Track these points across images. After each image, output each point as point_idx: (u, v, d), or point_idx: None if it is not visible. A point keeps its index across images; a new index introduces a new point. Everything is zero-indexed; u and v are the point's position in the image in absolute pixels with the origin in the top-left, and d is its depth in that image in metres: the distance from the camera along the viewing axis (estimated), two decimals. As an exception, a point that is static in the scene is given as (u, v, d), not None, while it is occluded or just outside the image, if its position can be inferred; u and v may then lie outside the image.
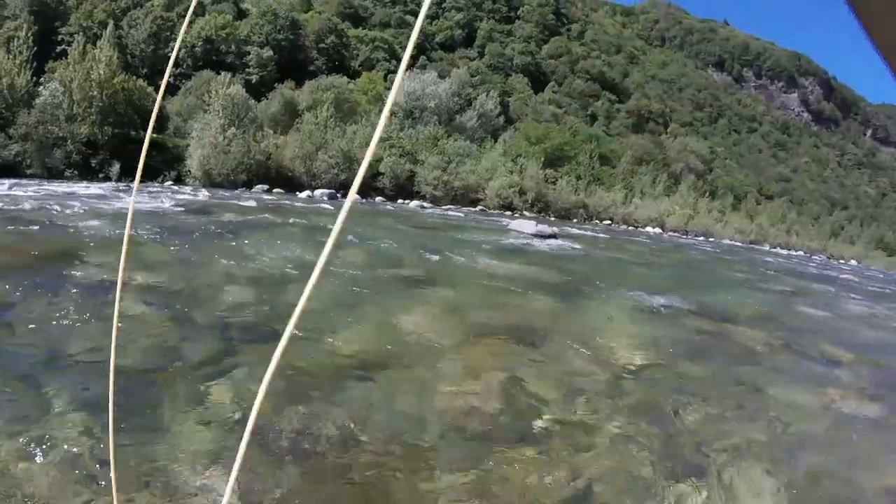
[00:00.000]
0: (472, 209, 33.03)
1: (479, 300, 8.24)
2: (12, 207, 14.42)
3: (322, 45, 50.98)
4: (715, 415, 5.07)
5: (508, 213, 32.99)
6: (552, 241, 18.03)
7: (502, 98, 51.72)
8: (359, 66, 52.71)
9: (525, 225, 20.75)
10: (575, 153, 44.01)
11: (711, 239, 37.59)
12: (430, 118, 40.16)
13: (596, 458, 4.01)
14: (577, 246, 17.48)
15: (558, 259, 14.07)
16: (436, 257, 11.83)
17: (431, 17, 71.81)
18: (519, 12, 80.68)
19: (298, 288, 7.45)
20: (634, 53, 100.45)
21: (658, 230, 37.71)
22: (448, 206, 32.39)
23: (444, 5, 74.83)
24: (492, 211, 33.25)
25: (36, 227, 11.08)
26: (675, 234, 37.81)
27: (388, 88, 44.67)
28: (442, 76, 46.02)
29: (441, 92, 42.29)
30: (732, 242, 37.41)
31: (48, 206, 15.29)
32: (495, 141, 41.59)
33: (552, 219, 32.96)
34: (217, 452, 3.54)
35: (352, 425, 4.00)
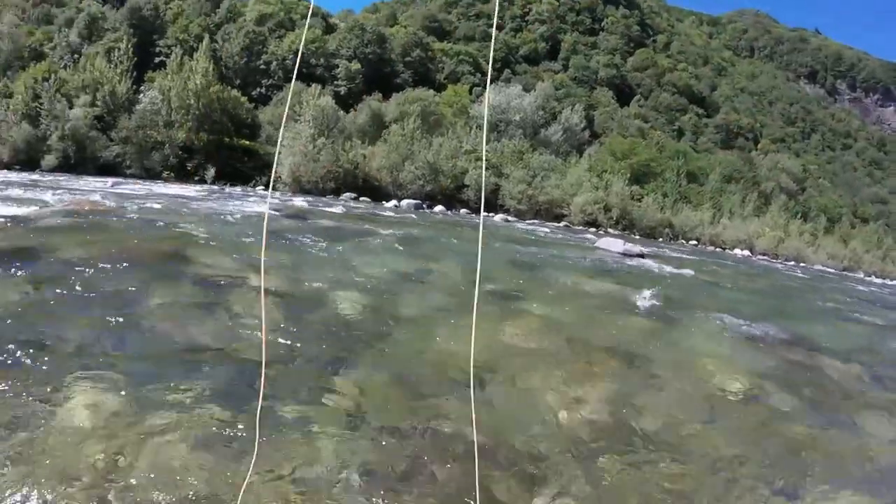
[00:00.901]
0: (557, 224, 32.52)
1: (574, 317, 8.16)
2: (117, 205, 15.14)
3: (408, 59, 51.84)
4: (807, 445, 5.01)
5: (593, 229, 32.30)
6: (640, 261, 17.55)
7: (587, 112, 50.98)
8: (444, 78, 53.26)
9: (612, 243, 20.25)
10: (661, 169, 42.80)
11: (802, 264, 35.53)
12: (514, 132, 40.02)
13: (696, 477, 4.10)
14: (666, 267, 16.91)
15: (648, 280, 13.59)
16: (527, 273, 11.81)
17: (515, 30, 71.79)
18: (603, 24, 79.51)
19: (400, 297, 7.85)
20: (722, 65, 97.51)
21: (746, 252, 36.01)
22: (532, 221, 32.16)
23: (527, 18, 74.58)
24: (576, 227, 32.60)
25: (142, 225, 11.61)
26: (765, 257, 35.95)
27: (474, 101, 44.91)
28: (527, 89, 45.84)
29: (526, 105, 42.17)
30: (824, 268, 35.23)
31: (151, 205, 15.99)
32: (580, 155, 41.05)
33: (637, 237, 32.04)
34: (330, 446, 3.67)
35: (462, 431, 4.05)
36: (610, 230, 32.90)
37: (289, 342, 5.45)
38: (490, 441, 4.05)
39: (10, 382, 4.03)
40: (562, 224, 33.02)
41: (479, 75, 55.05)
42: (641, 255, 18.70)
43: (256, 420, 2.54)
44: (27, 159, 37.47)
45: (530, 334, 6.75)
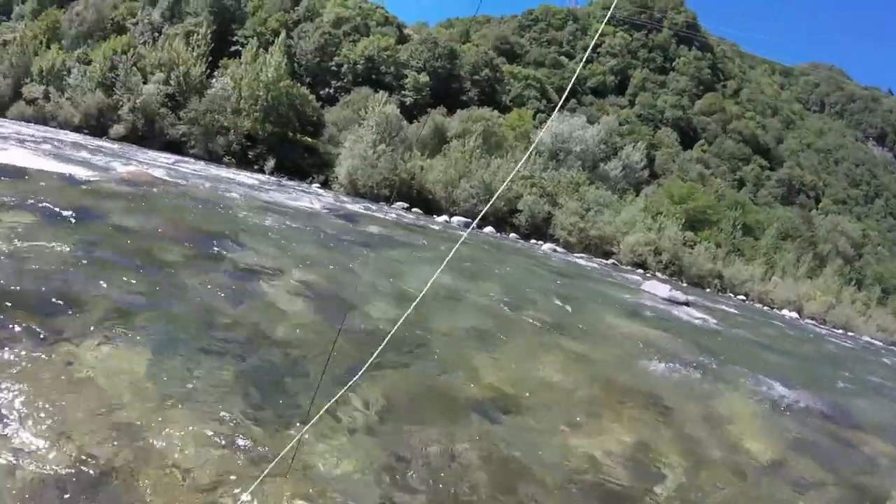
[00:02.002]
0: (604, 261, 32.19)
1: (608, 358, 8.12)
2: (177, 181, 15.61)
3: (476, 77, 52.05)
4: None
5: (640, 270, 31.85)
6: (685, 310, 17.22)
7: (649, 151, 50.41)
8: (510, 101, 53.37)
9: (658, 287, 19.92)
10: (718, 218, 41.94)
11: (850, 333, 34.24)
12: (574, 162, 39.81)
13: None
14: (710, 318, 16.61)
15: (690, 330, 13.48)
16: (568, 306, 11.72)
17: (586, 61, 71.59)
18: (674, 64, 78.72)
19: (436, 312, 7.84)
20: (791, 117, 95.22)
21: (794, 314, 34.87)
22: (580, 254, 31.88)
23: (598, 50, 74.33)
24: (624, 266, 32.22)
25: (195, 204, 11.95)
26: (812, 321, 34.77)
27: (537, 127, 44.87)
28: (591, 121, 45.64)
29: (588, 137, 41.92)
30: (873, 340, 33.87)
31: (208, 187, 16.43)
32: (637, 194, 40.48)
33: (684, 284, 31.42)
34: (348, 449, 3.72)
35: (478, 459, 4.05)
36: (658, 273, 32.39)
37: (318, 341, 5.51)
38: (501, 470, 4.05)
39: (43, 331, 4.17)
40: (609, 261, 32.70)
41: (544, 101, 55.08)
42: (687, 304, 18.38)
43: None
44: (97, 126, 39.26)
45: (561, 368, 6.74)
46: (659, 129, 64.21)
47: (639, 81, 71.23)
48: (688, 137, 66.22)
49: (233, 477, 3.23)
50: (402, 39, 55.45)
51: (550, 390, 5.95)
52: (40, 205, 7.89)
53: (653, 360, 8.66)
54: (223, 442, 3.49)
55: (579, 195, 35.98)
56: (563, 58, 68.61)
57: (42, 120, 40.55)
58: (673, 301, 18.11)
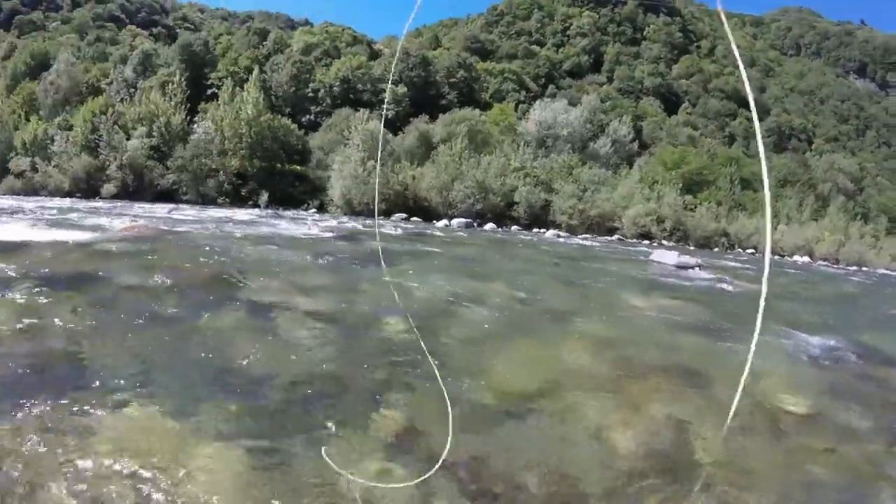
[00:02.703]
0: (609, 238, 32.03)
1: (629, 335, 7.95)
2: (175, 230, 15.67)
3: (452, 80, 52.38)
4: (881, 467, 4.80)
5: (646, 241, 31.72)
6: (695, 273, 17.07)
7: (635, 123, 50.37)
8: (489, 97, 53.68)
9: (666, 255, 19.77)
10: (714, 177, 41.90)
11: (865, 268, 33.85)
12: (563, 147, 39.78)
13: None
14: (722, 278, 16.36)
15: (704, 292, 13.31)
16: (580, 289, 11.62)
17: (557, 45, 71.85)
18: (645, 33, 79.05)
19: (451, 321, 7.70)
20: (769, 65, 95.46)
21: (806, 259, 34.65)
22: (584, 236, 31.76)
23: (568, 32, 74.59)
24: (629, 240, 32.04)
25: (196, 249, 11.93)
26: (825, 262, 34.48)
27: (520, 118, 44.97)
28: (572, 104, 45.68)
29: (573, 119, 41.91)
30: (888, 272, 33.47)
31: (205, 230, 16.50)
32: (630, 167, 40.43)
33: (692, 248, 31.22)
34: (379, 469, 3.68)
35: (513, 458, 4.00)
36: (664, 242, 32.25)
37: (336, 364, 5.51)
38: (537, 465, 3.99)
39: (61, 398, 4.21)
40: (614, 238, 32.54)
41: (523, 92, 55.34)
42: (698, 267, 18.27)
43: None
44: (87, 188, 39.59)
45: (582, 354, 6.64)
46: (641, 99, 64.46)
47: (613, 56, 71.53)
48: (671, 103, 66.42)
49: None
50: (374, 55, 55.85)
51: (576, 377, 5.86)
52: (43, 275, 7.89)
53: (673, 330, 8.54)
54: (249, 478, 3.54)
55: (573, 177, 35.92)
56: (534, 46, 68.93)
57: (32, 191, 40.78)
58: (683, 266, 18.01)
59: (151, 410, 4.20)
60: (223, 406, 4.37)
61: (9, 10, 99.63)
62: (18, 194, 39.55)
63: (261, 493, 3.39)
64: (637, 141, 46.79)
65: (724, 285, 15.14)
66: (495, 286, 10.64)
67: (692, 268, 18.04)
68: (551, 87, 59.71)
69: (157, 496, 3.26)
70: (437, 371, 4.28)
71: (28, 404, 4.14)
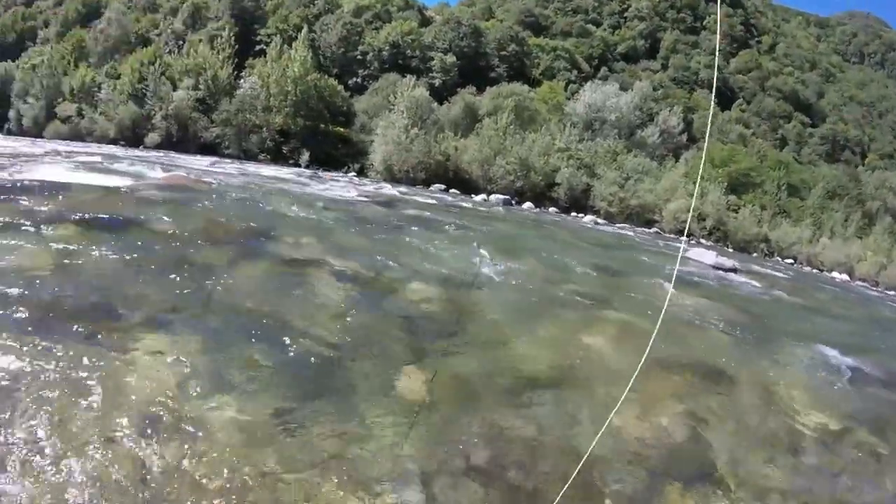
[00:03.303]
0: (647, 230, 31.58)
1: (652, 329, 7.66)
2: (216, 182, 15.76)
3: (503, 53, 51.61)
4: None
5: (684, 238, 31.15)
6: (732, 276, 16.81)
7: (686, 114, 49.11)
8: (539, 74, 52.71)
9: (704, 254, 19.42)
10: (761, 180, 40.65)
11: (905, 295, 32.71)
12: (609, 131, 39.03)
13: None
14: (758, 284, 16.16)
15: (738, 296, 13.18)
16: (613, 278, 11.61)
17: (613, 27, 70.21)
18: (705, 23, 76.40)
19: (477, 292, 7.79)
20: (831, 70, 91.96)
21: (845, 276, 33.40)
22: (622, 225, 31.38)
23: (626, 14, 72.72)
24: (667, 234, 31.48)
25: (234, 202, 12.08)
26: (864, 283, 33.29)
27: (569, 98, 44.16)
28: (624, 88, 44.64)
29: (622, 105, 40.99)
30: None
31: (245, 184, 16.62)
32: (676, 160, 39.53)
33: (730, 250, 30.60)
34: (397, 438, 3.70)
35: (529, 438, 4.05)
36: (702, 240, 31.75)
37: (362, 328, 5.52)
38: (549, 448, 4.03)
39: (91, 335, 4.28)
40: (652, 230, 32.08)
41: (575, 72, 54.31)
42: (734, 270, 17.97)
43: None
44: (132, 136, 40.27)
45: (608, 342, 6.67)
46: (694, 91, 62.53)
47: (670, 44, 69.41)
48: (725, 98, 64.40)
49: (285, 472, 3.25)
50: (425, 22, 55.23)
51: (599, 365, 5.89)
52: (83, 216, 8.06)
53: (702, 329, 8.51)
54: (271, 434, 3.53)
55: (617, 164, 35.32)
56: (590, 25, 67.26)
57: (78, 136, 41.75)
58: (720, 268, 17.74)
59: (177, 354, 4.26)
60: (247, 357, 4.43)
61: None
62: (64, 139, 40.40)
63: (275, 448, 3.40)
64: (686, 133, 45.72)
65: (759, 291, 14.94)
66: (528, 265, 10.73)
67: (729, 270, 17.73)
68: (604, 70, 58.44)
69: (173, 437, 3.29)
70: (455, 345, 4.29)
71: (60, 336, 4.21)
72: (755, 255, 32.83)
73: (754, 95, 67.50)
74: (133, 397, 3.58)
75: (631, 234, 27.10)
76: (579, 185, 33.48)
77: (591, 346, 6.37)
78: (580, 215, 31.92)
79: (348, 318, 5.67)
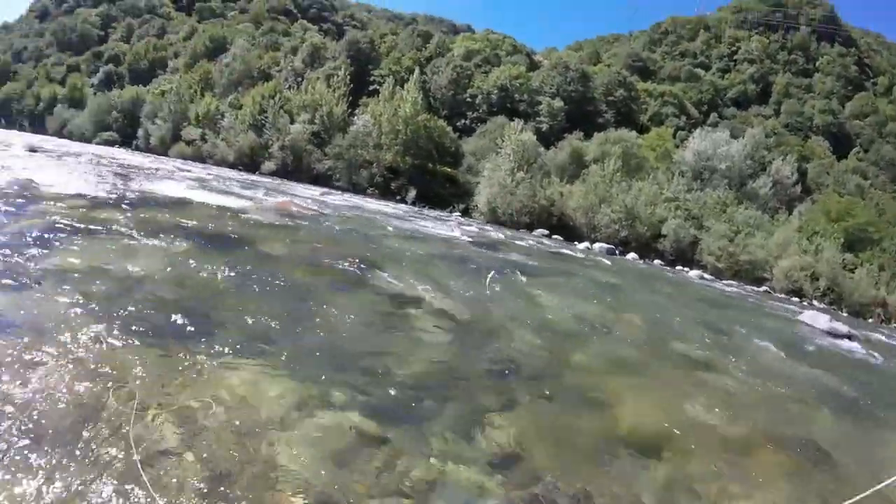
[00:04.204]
0: (756, 288, 30.19)
1: (762, 398, 7.54)
2: (324, 212, 16.62)
3: (610, 98, 51.86)
4: None
5: (795, 298, 29.56)
6: (846, 343, 15.72)
7: (799, 164, 47.06)
8: (647, 120, 52.66)
9: (817, 318, 18.39)
10: (880, 237, 38.17)
11: None
12: (719, 181, 38.05)
13: None
14: (876, 354, 14.75)
15: (852, 366, 12.42)
16: (720, 339, 11.07)
17: (722, 70, 68.84)
18: (818, 64, 73.49)
19: (578, 343, 7.57)
20: None
21: None
22: (729, 281, 30.22)
23: (735, 58, 71.08)
24: (777, 293, 30.05)
25: (341, 232, 12.58)
26: None
27: (678, 146, 43.60)
28: (735, 135, 43.35)
29: (734, 153, 39.82)
30: None
31: (352, 216, 17.33)
32: (790, 213, 37.82)
33: (844, 314, 28.43)
34: (475, 486, 3.62)
35: (613, 498, 3.83)
36: (814, 301, 29.90)
37: (455, 368, 5.52)
38: None
39: (191, 342, 4.56)
40: (762, 289, 30.66)
41: (683, 118, 53.69)
42: (848, 337, 16.97)
43: None
44: (250, 163, 43.97)
45: (710, 408, 6.33)
46: (809, 138, 60.08)
47: (782, 88, 67.13)
48: (841, 145, 61.35)
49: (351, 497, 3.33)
50: (533, 66, 56.29)
51: (698, 432, 5.58)
52: (197, 231, 8.72)
53: (812, 402, 8.09)
54: (346, 462, 3.61)
55: (727, 216, 34.27)
56: (698, 69, 66.30)
57: (200, 158, 46.24)
58: (833, 334, 16.87)
59: (270, 372, 4.43)
60: (337, 383, 4.50)
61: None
62: (187, 160, 44.90)
63: (360, 475, 3.47)
64: (800, 184, 43.67)
65: (875, 362, 13.99)
66: (631, 319, 10.49)
67: (844, 337, 16.95)
68: (713, 116, 57.40)
69: (258, 454, 3.42)
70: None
71: (159, 339, 4.57)
72: (871, 320, 30.69)
73: (871, 142, 63.83)
74: (223, 415, 3.71)
75: (739, 291, 26.19)
76: (686, 237, 32.73)
77: (694, 411, 6.07)
78: (686, 269, 31.13)
79: (442, 358, 5.66)
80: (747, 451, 5.47)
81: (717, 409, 6.35)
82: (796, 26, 77.00)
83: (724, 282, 29.66)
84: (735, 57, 71.40)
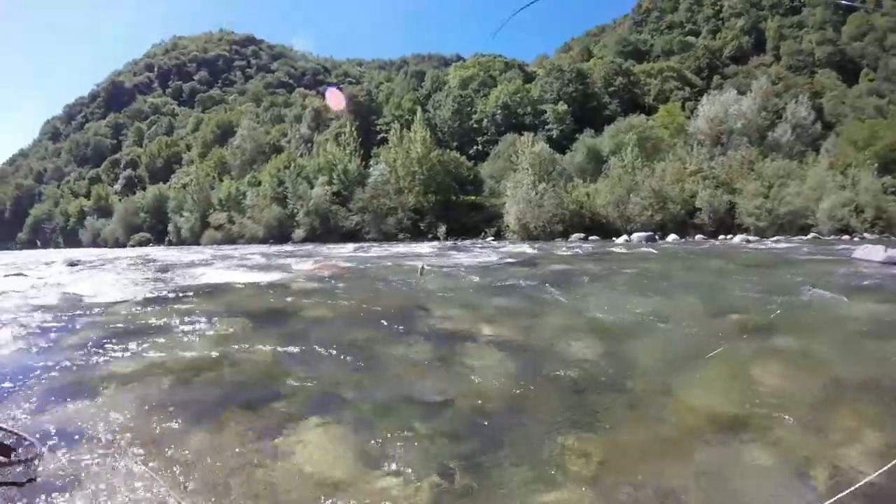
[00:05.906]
0: (803, 238, 29.67)
1: (834, 349, 7.00)
2: (360, 266, 16.88)
3: (611, 89, 52.39)
4: None
5: (846, 237, 29.16)
6: None
7: (813, 101, 46.31)
8: (653, 100, 52.92)
9: (872, 251, 17.53)
10: (915, 150, 37.43)
11: None
12: (739, 141, 37.82)
13: None
14: None
15: None
16: (776, 299, 10.19)
17: (713, 32, 68.59)
18: (803, -1, 72.16)
19: (636, 342, 7.13)
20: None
21: None
22: (775, 238, 29.83)
23: (721, 16, 70.73)
24: (826, 237, 29.50)
25: (380, 282, 12.67)
26: None
27: (689, 117, 43.54)
28: (742, 92, 43.21)
29: (746, 109, 39.66)
30: None
31: (388, 264, 17.47)
32: (817, 153, 37.14)
33: (898, 239, 27.15)
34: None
35: (708, 492, 3.63)
36: (866, 235, 29.40)
37: (517, 395, 5.43)
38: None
39: (254, 418, 4.64)
40: (809, 236, 30.21)
41: (687, 89, 53.59)
42: None
43: None
44: (279, 234, 45.41)
45: (780, 374, 5.92)
46: (815, 73, 59.38)
47: (775, 32, 66.51)
48: (848, 72, 60.40)
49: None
50: (529, 78, 57.04)
51: (778, 402, 5.18)
52: (242, 310, 8.90)
53: (881, 340, 7.41)
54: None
55: (756, 173, 33.89)
56: (689, 38, 66.20)
57: (231, 240, 47.70)
58: (892, 262, 16.35)
59: (337, 433, 4.44)
60: (405, 433, 4.47)
61: (189, 90, 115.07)
62: (219, 244, 46.40)
63: None
64: (819, 122, 42.92)
65: None
66: (683, 302, 10.12)
67: None
68: (716, 79, 57.25)
69: None
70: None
71: (225, 421, 4.62)
72: (928, 239, 29.78)
73: (877, 59, 62.43)
74: (298, 477, 3.77)
75: (787, 245, 25.40)
76: (721, 204, 32.61)
77: (771, 381, 5.72)
78: (728, 237, 30.86)
79: (505, 387, 5.56)
80: (827, 410, 5.13)
81: (785, 374, 6.03)
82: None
83: (770, 240, 28.99)
84: (721, 15, 71.11)
